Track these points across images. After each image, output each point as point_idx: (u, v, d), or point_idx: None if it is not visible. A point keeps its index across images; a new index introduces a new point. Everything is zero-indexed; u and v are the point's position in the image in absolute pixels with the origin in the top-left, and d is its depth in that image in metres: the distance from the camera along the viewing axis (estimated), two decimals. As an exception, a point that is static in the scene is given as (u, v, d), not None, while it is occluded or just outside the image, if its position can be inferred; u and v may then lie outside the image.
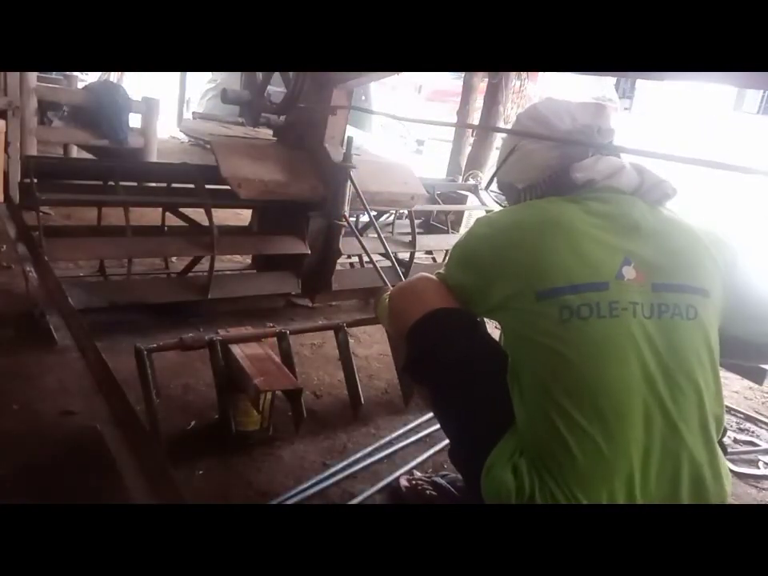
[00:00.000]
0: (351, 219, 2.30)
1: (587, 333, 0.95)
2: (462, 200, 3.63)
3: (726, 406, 1.11)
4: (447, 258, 1.18)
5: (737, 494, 1.58)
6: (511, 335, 1.04)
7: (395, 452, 1.55)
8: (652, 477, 0.94)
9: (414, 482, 1.40)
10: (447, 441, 1.61)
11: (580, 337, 0.95)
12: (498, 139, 4.59)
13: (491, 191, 1.35)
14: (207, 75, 7.56)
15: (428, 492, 1.35)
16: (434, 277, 1.18)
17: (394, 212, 2.85)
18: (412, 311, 1.13)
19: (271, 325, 1.69)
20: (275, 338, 1.58)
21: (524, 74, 4.46)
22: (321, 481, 1.38)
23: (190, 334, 1.48)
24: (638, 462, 0.93)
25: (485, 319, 1.22)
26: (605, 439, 0.92)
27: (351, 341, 1.71)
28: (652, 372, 0.94)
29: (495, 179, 1.29)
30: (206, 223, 2.07)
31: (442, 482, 1.37)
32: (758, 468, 1.76)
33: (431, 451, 1.58)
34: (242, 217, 3.24)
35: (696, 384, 0.97)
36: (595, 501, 0.92)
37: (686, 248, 1.04)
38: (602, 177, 1.08)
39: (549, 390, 0.96)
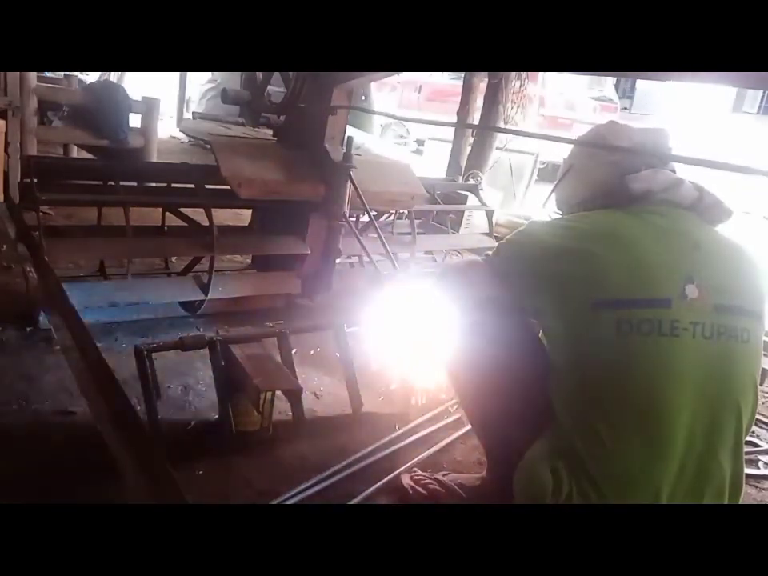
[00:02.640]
0: (351, 219, 2.30)
1: (646, 350, 0.94)
2: (462, 200, 3.63)
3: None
4: (495, 250, 1.18)
5: (737, 493, 1.58)
6: (558, 340, 1.04)
7: (395, 452, 1.55)
8: (681, 491, 0.96)
9: (416, 477, 1.40)
10: (447, 440, 1.63)
11: (638, 353, 0.95)
12: (498, 139, 4.59)
13: (554, 212, 1.35)
14: (207, 75, 7.56)
15: (431, 486, 1.35)
16: (482, 262, 1.17)
17: (393, 212, 2.85)
18: (463, 293, 1.13)
19: (271, 325, 1.69)
20: (275, 338, 1.58)
21: (524, 73, 4.44)
22: (321, 481, 1.38)
23: (190, 334, 1.48)
24: (673, 478, 0.95)
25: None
26: (649, 455, 0.94)
27: (351, 341, 1.70)
28: (703, 395, 0.95)
29: (553, 200, 1.31)
30: (205, 223, 2.07)
31: (445, 480, 1.37)
32: (758, 468, 1.77)
33: (431, 451, 1.58)
34: (242, 217, 3.24)
35: (740, 407, 0.98)
36: None
37: (741, 270, 1.04)
38: (659, 188, 1.07)
39: (597, 399, 0.97)
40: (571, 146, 1.30)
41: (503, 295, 1.10)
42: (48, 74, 4.31)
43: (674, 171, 1.15)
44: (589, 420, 0.97)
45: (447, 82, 8.09)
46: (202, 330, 1.99)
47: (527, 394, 1.06)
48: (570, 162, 1.25)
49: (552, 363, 1.05)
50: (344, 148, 2.18)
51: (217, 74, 7.19)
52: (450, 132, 5.08)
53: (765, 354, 1.23)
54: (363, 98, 7.65)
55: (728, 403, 0.97)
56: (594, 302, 0.97)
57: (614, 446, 0.95)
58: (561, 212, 1.31)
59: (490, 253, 1.19)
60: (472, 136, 4.52)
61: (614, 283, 0.97)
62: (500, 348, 1.09)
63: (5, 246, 2.34)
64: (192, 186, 2.17)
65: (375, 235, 2.25)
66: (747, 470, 1.69)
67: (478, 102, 4.50)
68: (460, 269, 1.21)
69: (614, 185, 1.12)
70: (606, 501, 0.94)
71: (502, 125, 4.29)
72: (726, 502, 0.99)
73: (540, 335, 1.17)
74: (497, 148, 4.62)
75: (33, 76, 3.11)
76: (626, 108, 13.27)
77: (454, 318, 1.15)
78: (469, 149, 4.51)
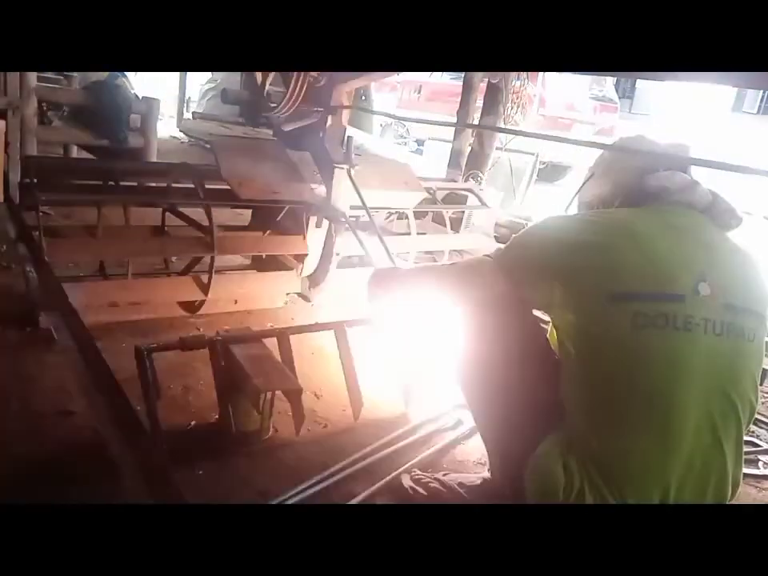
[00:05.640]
0: (351, 219, 2.30)
1: (661, 343, 0.96)
2: (462, 200, 3.63)
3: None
4: (508, 244, 1.18)
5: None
6: (573, 333, 1.05)
7: (395, 452, 1.55)
8: (688, 484, 0.97)
9: (416, 477, 1.40)
10: (447, 440, 1.63)
11: (653, 345, 0.96)
12: (498, 139, 4.59)
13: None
14: (207, 75, 7.56)
15: (432, 486, 1.36)
16: (490, 260, 1.18)
17: (393, 212, 2.85)
18: (476, 292, 1.16)
19: (271, 325, 1.69)
20: (275, 338, 1.58)
21: (524, 73, 4.44)
22: (321, 481, 1.38)
23: (190, 334, 1.47)
24: (681, 470, 0.96)
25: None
26: (660, 449, 0.95)
27: (351, 341, 1.70)
28: (711, 390, 0.97)
29: (575, 205, 1.33)
30: (205, 223, 2.07)
31: (445, 479, 1.37)
32: (758, 468, 1.77)
33: (431, 451, 1.58)
34: (242, 217, 3.24)
35: (743, 404, 1.00)
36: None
37: (748, 273, 1.06)
38: (675, 188, 1.09)
39: (611, 395, 0.98)
40: (572, 146, 1.32)
41: (511, 292, 1.11)
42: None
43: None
44: (601, 414, 0.99)
45: (447, 81, 8.09)
46: (201, 330, 1.99)
47: (536, 391, 1.07)
48: (592, 170, 1.28)
49: (564, 358, 1.06)
50: (344, 148, 2.18)
51: (217, 74, 7.19)
52: (449, 132, 5.08)
53: (766, 355, 1.24)
54: (363, 97, 7.65)
55: (733, 399, 0.98)
56: (610, 295, 0.98)
57: (625, 440, 0.96)
58: None
59: (501, 247, 1.20)
60: (472, 136, 4.52)
61: (630, 276, 0.98)
62: (507, 346, 1.11)
63: (5, 246, 2.34)
64: (192, 185, 2.17)
65: (375, 235, 2.25)
66: (747, 470, 1.70)
67: (478, 102, 4.50)
68: (467, 267, 1.21)
69: (633, 185, 1.14)
70: (617, 495, 0.95)
71: (502, 125, 4.29)
72: (727, 496, 1.01)
73: (550, 331, 1.18)
74: (497, 148, 4.61)
75: (33, 76, 3.11)
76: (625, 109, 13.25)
77: (461, 317, 1.16)
78: (469, 149, 4.51)
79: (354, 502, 1.33)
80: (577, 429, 1.01)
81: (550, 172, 7.32)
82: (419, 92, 8.67)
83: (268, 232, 2.43)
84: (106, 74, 3.62)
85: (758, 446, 1.89)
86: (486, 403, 1.17)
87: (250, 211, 2.72)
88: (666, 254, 1.00)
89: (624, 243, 1.01)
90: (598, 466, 0.97)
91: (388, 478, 1.42)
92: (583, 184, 1.30)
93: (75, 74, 4.22)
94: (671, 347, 0.96)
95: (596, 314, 1.00)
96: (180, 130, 6.64)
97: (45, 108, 3.40)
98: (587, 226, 1.08)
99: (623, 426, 0.97)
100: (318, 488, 1.36)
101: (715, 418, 0.97)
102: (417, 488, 1.37)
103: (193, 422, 1.53)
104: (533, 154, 5.17)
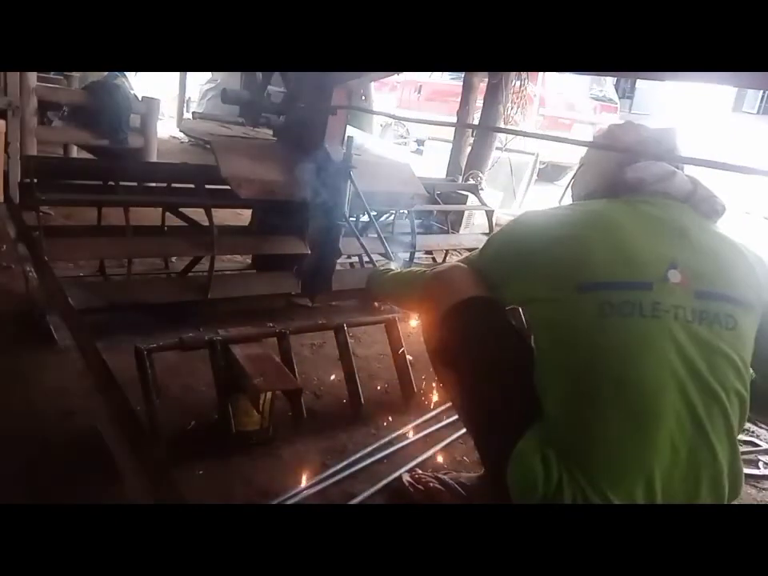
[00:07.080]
0: (351, 219, 2.30)
1: (627, 330, 0.96)
2: (462, 200, 3.63)
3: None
4: (484, 245, 1.23)
5: (737, 493, 1.58)
6: (545, 326, 1.05)
7: (395, 452, 1.55)
8: (676, 477, 0.96)
9: (416, 476, 1.40)
10: (447, 440, 1.63)
11: (620, 334, 0.96)
12: (498, 139, 4.60)
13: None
14: (207, 75, 7.56)
15: (432, 485, 1.35)
16: (465, 266, 1.21)
17: (393, 212, 2.85)
18: (446, 297, 1.16)
19: (271, 325, 1.69)
20: (275, 338, 1.58)
21: (524, 73, 4.44)
22: (321, 481, 1.38)
23: (190, 334, 1.47)
24: (666, 462, 0.95)
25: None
26: (638, 438, 0.94)
27: (351, 341, 1.70)
28: (686, 376, 0.95)
29: (569, 195, 1.35)
30: (205, 223, 2.07)
31: (446, 478, 1.37)
32: (758, 468, 1.77)
33: (431, 451, 1.58)
34: (242, 217, 3.24)
35: (727, 393, 0.97)
36: (622, 497, 0.94)
37: (730, 261, 1.05)
38: (653, 179, 1.10)
39: (583, 384, 0.98)
40: (571, 145, 1.34)
41: (484, 293, 1.14)
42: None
43: (677, 166, 1.16)
44: (575, 404, 0.98)
45: (447, 81, 8.09)
46: (202, 330, 1.98)
47: (513, 387, 1.07)
48: (582, 161, 1.31)
49: (538, 351, 1.06)
50: (344, 148, 2.18)
51: (217, 74, 7.19)
52: (450, 132, 5.09)
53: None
54: (363, 98, 7.64)
55: (713, 387, 0.96)
56: (578, 285, 0.99)
57: (600, 429, 0.95)
58: None
59: (476, 252, 1.24)
60: (472, 136, 4.52)
61: (598, 266, 0.99)
62: (483, 346, 1.11)
63: (5, 246, 2.34)
64: (192, 185, 2.17)
65: (375, 235, 2.25)
66: (747, 470, 1.70)
67: (478, 102, 4.50)
68: (437, 277, 1.23)
69: (614, 176, 1.16)
70: (596, 486, 0.94)
71: (501, 125, 4.29)
72: (725, 493, 0.99)
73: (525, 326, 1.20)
74: (497, 148, 4.61)
75: (33, 76, 3.11)
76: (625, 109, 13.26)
77: (438, 324, 1.17)
78: (469, 149, 4.51)
79: (353, 502, 1.33)
80: (553, 421, 1.00)
81: (550, 172, 7.34)
82: (419, 92, 8.67)
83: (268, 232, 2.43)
84: (105, 73, 3.62)
85: (758, 446, 1.89)
86: (466, 402, 1.17)
87: (250, 211, 2.72)
88: (634, 243, 1.00)
89: (594, 234, 1.02)
90: (576, 456, 0.96)
91: (389, 479, 1.43)
92: (574, 176, 1.33)
93: (75, 73, 4.22)
94: (638, 334, 0.95)
95: (565, 305, 1.00)
96: (180, 130, 6.64)
97: (45, 108, 3.39)
98: (559, 219, 1.10)
99: (597, 414, 0.96)
100: (318, 488, 1.36)
101: (696, 407, 0.95)
102: (416, 487, 1.37)
103: (193, 422, 1.53)
104: (533, 154, 5.17)
